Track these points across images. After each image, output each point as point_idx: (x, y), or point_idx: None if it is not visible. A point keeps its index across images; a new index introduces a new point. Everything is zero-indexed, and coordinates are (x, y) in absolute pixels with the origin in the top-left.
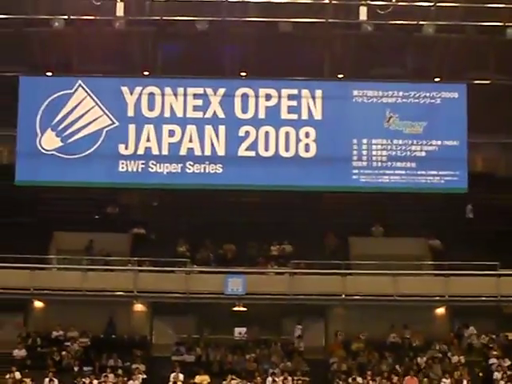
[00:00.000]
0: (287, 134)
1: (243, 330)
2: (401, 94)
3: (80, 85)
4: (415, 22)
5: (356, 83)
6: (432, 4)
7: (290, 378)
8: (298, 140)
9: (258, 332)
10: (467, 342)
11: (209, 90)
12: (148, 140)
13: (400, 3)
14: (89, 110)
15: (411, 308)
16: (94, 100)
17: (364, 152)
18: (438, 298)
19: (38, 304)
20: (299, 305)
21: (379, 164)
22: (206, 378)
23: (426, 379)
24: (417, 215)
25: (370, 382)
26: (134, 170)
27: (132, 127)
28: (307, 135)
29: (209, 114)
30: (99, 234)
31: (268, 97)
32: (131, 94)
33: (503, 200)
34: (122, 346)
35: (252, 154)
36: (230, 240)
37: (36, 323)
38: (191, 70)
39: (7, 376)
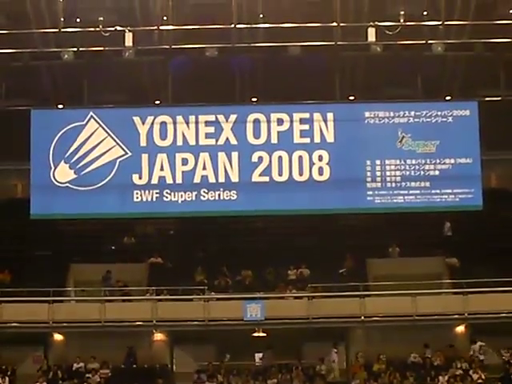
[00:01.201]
0: (300, 158)
1: (264, 355)
2: (412, 113)
3: (92, 116)
4: (424, 42)
5: (367, 104)
6: (440, 23)
7: None
8: (311, 164)
9: (278, 356)
10: (485, 359)
11: (220, 117)
12: (161, 169)
13: (408, 23)
14: (101, 141)
15: (431, 327)
16: (106, 131)
17: (378, 173)
18: (457, 316)
19: (58, 337)
20: (319, 328)
21: (393, 184)
22: None
23: None
24: (433, 234)
25: None
26: (149, 199)
27: (145, 157)
28: (320, 158)
29: (221, 141)
30: (116, 265)
31: (280, 121)
32: (143, 123)
33: None
34: (143, 375)
35: (266, 179)
36: (247, 266)
37: (56, 356)
38: (202, 97)
39: None
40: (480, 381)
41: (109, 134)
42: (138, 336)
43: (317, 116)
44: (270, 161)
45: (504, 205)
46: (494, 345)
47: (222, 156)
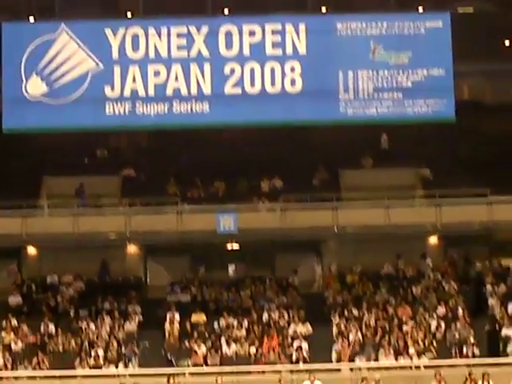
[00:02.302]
0: (272, 69)
1: (237, 266)
2: (385, 24)
3: (63, 29)
4: None
5: (339, 16)
6: None
7: (286, 313)
8: (283, 75)
9: (251, 268)
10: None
11: (192, 29)
12: (134, 81)
13: None
14: (73, 54)
15: (404, 238)
16: (77, 43)
17: (350, 84)
18: (429, 226)
19: (31, 250)
20: (292, 240)
21: (366, 96)
22: (202, 317)
23: (421, 308)
24: (406, 145)
25: (366, 313)
26: (122, 112)
27: (117, 69)
28: (292, 70)
29: (193, 53)
30: (89, 178)
31: (252, 33)
32: (115, 36)
33: (491, 127)
34: (116, 288)
35: (238, 91)
36: (219, 178)
37: (30, 270)
38: (174, 9)
39: (3, 323)
40: (452, 291)
41: (80, 47)
42: (112, 249)
43: (289, 27)
44: (243, 72)
45: (476, 116)
46: (466, 256)
47: (194, 68)
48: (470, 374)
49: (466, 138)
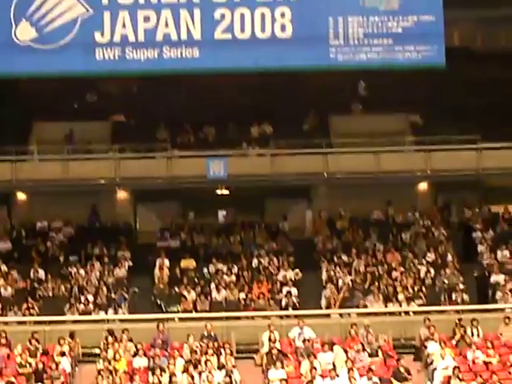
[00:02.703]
0: (263, 15)
1: (227, 212)
2: None
3: None
4: None
5: None
6: None
7: (275, 259)
8: (273, 21)
9: (241, 214)
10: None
11: None
12: (124, 27)
13: None
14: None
15: (394, 184)
16: None
17: (340, 30)
18: (419, 173)
19: (21, 196)
20: (282, 185)
21: (356, 42)
22: (191, 263)
23: (410, 254)
24: (396, 92)
25: (355, 259)
26: (111, 57)
27: (107, 14)
28: (283, 15)
29: None
30: (79, 123)
31: None
32: None
33: (482, 72)
34: (106, 234)
35: (228, 36)
36: (209, 123)
37: (20, 215)
38: None
39: None
40: (442, 237)
41: None
42: (102, 194)
43: None
44: (232, 18)
45: (466, 63)
46: (457, 202)
47: (184, 13)
48: (459, 320)
49: (457, 84)
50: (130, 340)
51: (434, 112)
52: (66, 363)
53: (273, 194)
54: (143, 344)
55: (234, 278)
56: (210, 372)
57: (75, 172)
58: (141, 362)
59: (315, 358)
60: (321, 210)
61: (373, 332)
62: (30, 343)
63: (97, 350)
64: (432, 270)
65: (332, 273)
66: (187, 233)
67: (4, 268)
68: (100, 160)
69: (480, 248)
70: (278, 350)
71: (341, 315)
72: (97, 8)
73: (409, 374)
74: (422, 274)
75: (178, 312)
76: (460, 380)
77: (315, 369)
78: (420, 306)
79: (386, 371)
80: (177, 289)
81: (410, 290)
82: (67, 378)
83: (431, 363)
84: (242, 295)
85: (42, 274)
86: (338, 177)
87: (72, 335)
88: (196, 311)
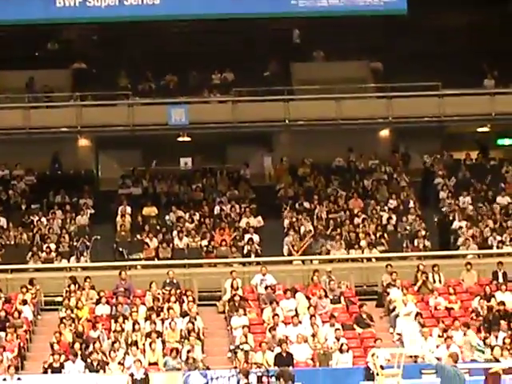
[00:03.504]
0: None
1: (189, 160)
2: None
3: None
4: None
5: None
6: None
7: (237, 206)
8: None
9: (203, 161)
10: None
11: None
12: None
13: None
14: None
15: (355, 131)
16: None
17: None
18: (381, 120)
19: None
20: (244, 132)
21: None
22: (153, 210)
23: (372, 201)
24: (357, 38)
25: (317, 206)
26: (72, 4)
27: None
28: None
29: None
30: (40, 71)
31: None
32: None
33: (443, 20)
34: (68, 182)
35: None
36: (171, 71)
37: None
38: None
39: None
40: (403, 184)
41: None
42: (63, 142)
43: None
44: None
45: (428, 9)
46: (417, 149)
47: None
48: (419, 266)
49: (418, 31)
50: (93, 288)
51: (396, 58)
52: (28, 311)
53: (234, 140)
54: (106, 292)
55: (195, 225)
56: (172, 319)
57: (36, 120)
58: (103, 310)
59: (277, 304)
60: (282, 156)
61: (335, 278)
62: None
63: (59, 298)
64: (394, 217)
65: (294, 219)
66: (149, 180)
67: None
68: (61, 108)
69: (442, 194)
70: (240, 296)
71: (303, 262)
72: None
73: (371, 320)
74: (384, 221)
75: (141, 259)
76: (422, 326)
77: (277, 315)
78: (382, 252)
79: (348, 318)
80: (139, 236)
81: (372, 237)
82: (30, 326)
83: (393, 309)
84: (204, 242)
85: (3, 222)
86: (299, 124)
87: (31, 282)
88: (158, 259)
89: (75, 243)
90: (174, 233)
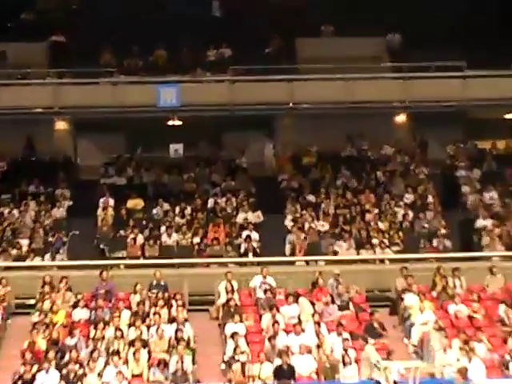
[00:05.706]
0: None
1: (179, 146)
2: None
3: None
4: None
5: None
6: None
7: (233, 199)
8: None
9: (195, 148)
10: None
11: None
12: None
13: None
14: None
15: (368, 116)
16: None
17: None
18: (397, 103)
19: None
20: (242, 116)
21: None
22: (139, 203)
23: (386, 195)
24: (372, 12)
25: (324, 199)
26: None
27: None
28: None
29: None
30: (13, 44)
31: None
32: None
33: None
34: (43, 169)
35: None
36: (160, 45)
37: None
38: None
39: None
40: (422, 176)
41: None
42: (38, 124)
43: None
44: None
45: None
46: (437, 137)
47: None
48: (439, 269)
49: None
50: (70, 289)
51: (415, 34)
52: None
53: (231, 125)
54: (84, 294)
55: (186, 220)
56: (159, 326)
57: (8, 99)
58: (81, 315)
59: (278, 310)
60: (285, 144)
61: (343, 282)
62: None
63: (32, 301)
64: (410, 213)
65: (298, 215)
66: (134, 169)
67: None
68: (36, 86)
69: (464, 189)
70: (235, 301)
71: (307, 263)
72: None
73: (383, 329)
74: (399, 217)
75: (124, 258)
76: (441, 336)
77: (278, 323)
78: (396, 253)
79: (357, 326)
80: (122, 232)
81: (386, 235)
82: None
83: (408, 318)
84: (196, 240)
85: None
86: (304, 107)
87: (0, 282)
88: (144, 257)
89: (50, 239)
90: (162, 228)
